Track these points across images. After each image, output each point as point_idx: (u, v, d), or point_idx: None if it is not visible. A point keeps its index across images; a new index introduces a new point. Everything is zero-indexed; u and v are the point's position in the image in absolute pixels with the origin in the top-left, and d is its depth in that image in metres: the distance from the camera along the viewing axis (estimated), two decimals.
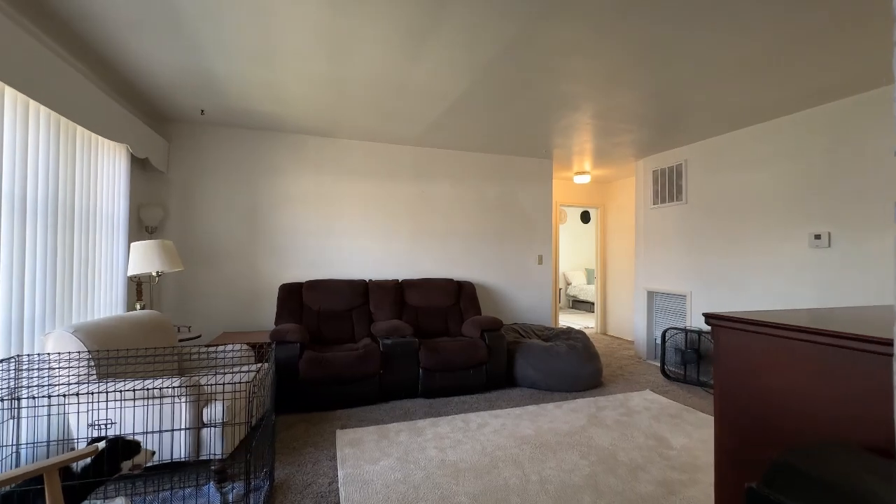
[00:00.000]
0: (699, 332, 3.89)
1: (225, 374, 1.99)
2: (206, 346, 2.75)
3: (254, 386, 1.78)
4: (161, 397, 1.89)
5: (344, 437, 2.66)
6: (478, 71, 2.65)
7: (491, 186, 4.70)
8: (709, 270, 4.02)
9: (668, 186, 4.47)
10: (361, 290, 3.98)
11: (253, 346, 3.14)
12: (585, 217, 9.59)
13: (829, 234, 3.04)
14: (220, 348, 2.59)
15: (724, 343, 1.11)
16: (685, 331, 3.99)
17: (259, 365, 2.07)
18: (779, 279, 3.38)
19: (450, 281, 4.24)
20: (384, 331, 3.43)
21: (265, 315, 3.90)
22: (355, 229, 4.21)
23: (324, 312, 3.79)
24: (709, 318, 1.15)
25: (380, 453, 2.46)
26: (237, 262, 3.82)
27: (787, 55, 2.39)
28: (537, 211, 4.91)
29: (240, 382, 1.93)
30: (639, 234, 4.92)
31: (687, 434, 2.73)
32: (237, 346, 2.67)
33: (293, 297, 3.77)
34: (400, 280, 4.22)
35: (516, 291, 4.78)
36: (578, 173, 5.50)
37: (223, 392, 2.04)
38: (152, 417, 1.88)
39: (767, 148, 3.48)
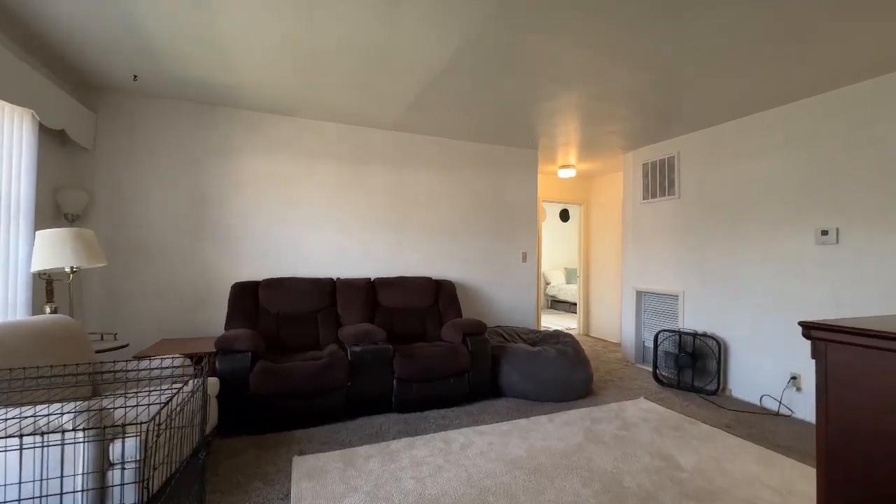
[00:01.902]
0: (694, 335, 3.65)
1: (146, 393, 1.52)
2: (132, 358, 2.25)
3: (170, 412, 1.33)
4: (44, 433, 1.40)
5: (302, 467, 2.21)
6: (462, 38, 2.26)
7: (473, 178, 4.33)
8: (704, 269, 3.78)
9: (660, 180, 4.23)
10: (328, 290, 3.52)
11: (191, 356, 2.64)
12: (564, 215, 9.38)
13: (838, 229, 2.83)
14: (144, 363, 2.08)
15: (837, 366, 0.77)
16: (679, 333, 3.74)
17: (195, 381, 1.60)
18: (781, 278, 3.16)
19: (428, 280, 3.84)
20: (353, 336, 2.99)
21: (215, 319, 3.38)
22: (322, 222, 3.74)
23: (283, 316, 3.31)
24: (811, 328, 0.81)
25: (345, 487, 2.03)
26: (180, 256, 3.29)
27: (798, 32, 2.13)
28: (522, 205, 4.57)
29: (159, 404, 1.47)
30: (627, 231, 4.67)
31: (694, 450, 2.43)
32: (171, 358, 2.17)
33: (247, 297, 3.27)
34: (372, 279, 3.79)
35: (499, 291, 4.43)
36: (563, 167, 5.21)
37: (140, 421, 1.56)
38: (34, 464, 1.38)
39: (770, 137, 3.25)
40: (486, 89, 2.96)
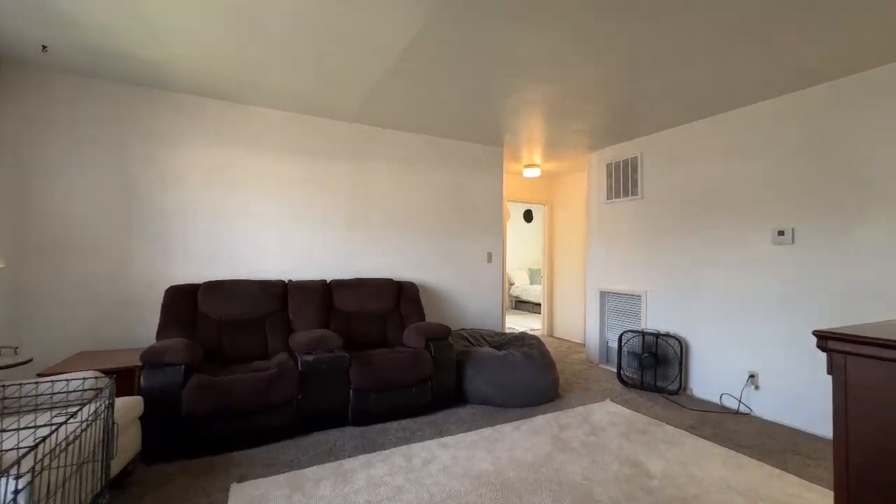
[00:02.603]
0: (657, 335, 3.66)
1: (33, 421, 1.21)
2: (36, 376, 1.88)
3: (53, 449, 1.05)
4: None
5: (240, 496, 1.93)
6: (422, 22, 2.08)
7: (437, 174, 4.15)
8: (666, 269, 3.80)
9: (623, 181, 4.23)
10: (278, 294, 3.21)
11: (111, 372, 2.28)
12: (528, 216, 9.41)
13: (793, 229, 2.88)
14: (39, 386, 1.73)
15: (861, 383, 0.66)
16: (642, 333, 3.73)
17: (96, 405, 1.30)
18: (739, 278, 3.20)
19: (389, 281, 3.62)
20: (305, 343, 2.72)
21: (145, 327, 2.99)
22: (272, 219, 3.43)
23: (227, 322, 2.98)
24: (827, 338, 0.69)
25: None
26: (103, 255, 2.88)
27: (761, 32, 2.12)
28: (487, 204, 4.44)
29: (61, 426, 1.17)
30: (591, 231, 4.65)
31: (662, 455, 2.37)
32: (81, 378, 1.83)
33: (184, 302, 2.92)
34: (328, 281, 3.52)
35: (463, 293, 4.28)
36: (528, 166, 5.14)
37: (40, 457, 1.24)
38: None
39: (728, 139, 3.30)
40: (449, 80, 2.79)
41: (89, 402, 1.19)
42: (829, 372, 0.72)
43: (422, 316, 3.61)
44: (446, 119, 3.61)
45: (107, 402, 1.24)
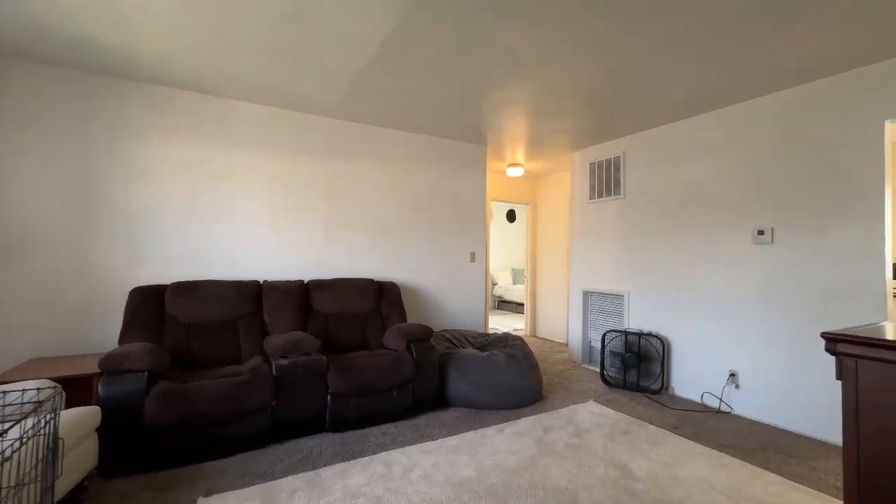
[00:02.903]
0: (639, 334, 3.66)
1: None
2: None
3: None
4: None
5: None
6: (407, 7, 1.99)
7: (419, 172, 4.06)
8: (648, 269, 3.81)
9: (606, 180, 4.23)
10: (252, 295, 3.07)
11: (64, 380, 2.12)
12: (511, 216, 9.41)
13: (773, 229, 2.91)
14: None
15: (873, 388, 0.61)
16: (625, 333, 3.73)
17: (36, 419, 1.17)
18: (720, 277, 3.22)
19: (369, 281, 3.51)
20: (280, 346, 2.60)
21: (107, 331, 2.81)
22: (246, 216, 3.28)
23: (196, 325, 2.83)
24: (836, 340, 0.64)
25: None
26: (63, 254, 2.70)
27: (738, 35, 2.11)
28: (469, 203, 4.38)
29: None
30: (574, 231, 4.64)
31: (646, 456, 2.34)
32: (22, 386, 1.68)
33: (151, 304, 2.75)
34: (306, 281, 3.39)
35: (446, 293, 4.20)
36: (512, 165, 5.11)
37: None
38: None
39: (710, 139, 3.31)
40: (431, 75, 2.71)
41: (26, 416, 1.06)
42: (839, 377, 0.68)
43: (403, 317, 3.52)
44: (428, 116, 3.53)
45: (49, 415, 1.12)
